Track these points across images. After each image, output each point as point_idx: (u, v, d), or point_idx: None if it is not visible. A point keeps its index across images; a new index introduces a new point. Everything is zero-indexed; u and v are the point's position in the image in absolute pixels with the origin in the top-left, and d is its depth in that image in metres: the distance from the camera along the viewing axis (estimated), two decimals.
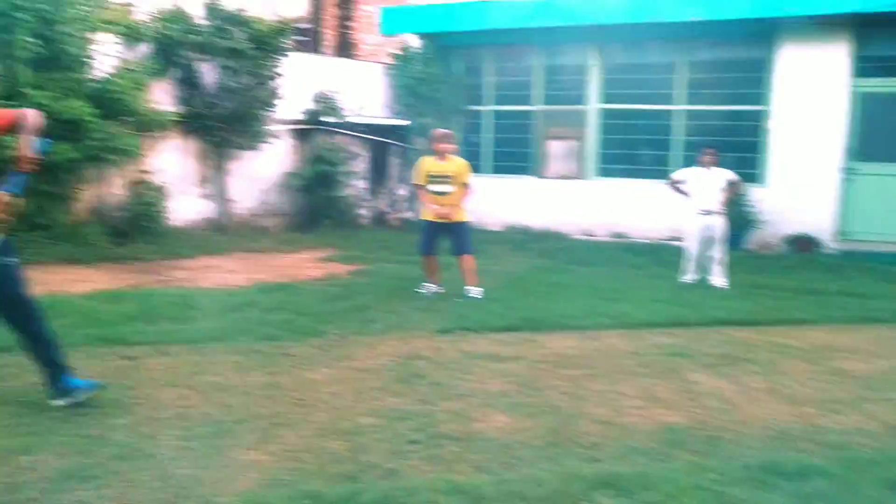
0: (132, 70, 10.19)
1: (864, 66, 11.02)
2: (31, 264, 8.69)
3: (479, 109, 13.66)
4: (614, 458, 3.88)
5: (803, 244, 11.06)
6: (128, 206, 10.43)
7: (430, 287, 7.80)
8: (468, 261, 7.74)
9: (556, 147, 13.10)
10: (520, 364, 5.48)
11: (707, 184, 8.64)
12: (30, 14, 8.71)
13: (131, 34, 10.68)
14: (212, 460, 3.73)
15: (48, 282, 7.80)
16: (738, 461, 3.83)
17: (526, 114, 13.32)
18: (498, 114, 13.55)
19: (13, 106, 8.52)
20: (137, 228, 10.28)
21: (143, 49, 10.82)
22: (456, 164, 7.74)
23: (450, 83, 13.54)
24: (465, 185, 7.69)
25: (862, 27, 10.89)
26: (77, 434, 3.97)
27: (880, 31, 10.89)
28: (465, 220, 7.77)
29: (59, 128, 8.98)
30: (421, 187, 7.87)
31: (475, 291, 7.62)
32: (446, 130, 7.98)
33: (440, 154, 7.72)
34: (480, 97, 13.65)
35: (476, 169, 13.24)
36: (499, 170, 13.41)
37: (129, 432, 4.04)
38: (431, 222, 7.76)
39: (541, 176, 13.18)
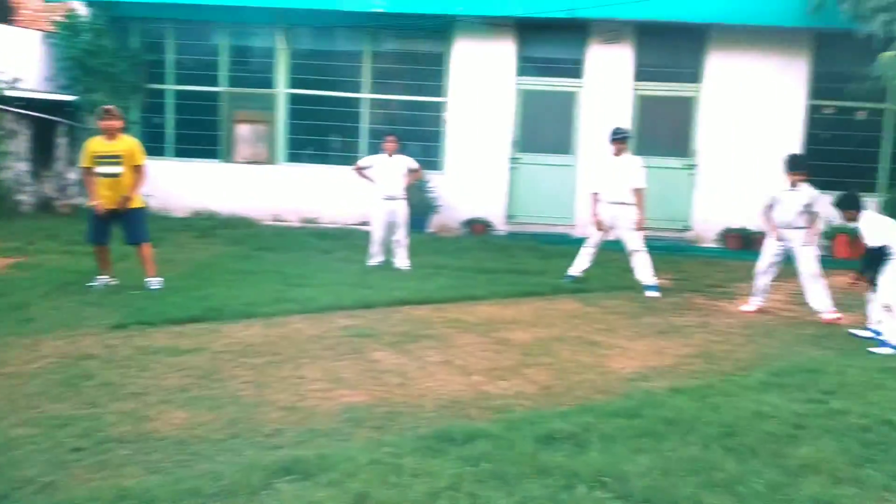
0: None
1: (526, 66, 12.25)
2: None
3: (160, 88, 12.81)
4: (295, 443, 3.89)
5: (478, 227, 12.04)
6: None
7: (102, 280, 7.18)
8: (145, 249, 7.25)
9: (243, 131, 12.78)
10: (200, 356, 5.27)
11: (390, 170, 9.01)
12: None
13: None
14: None
15: None
16: (413, 433, 4.05)
17: (212, 95, 12.78)
18: (181, 93, 12.83)
19: None
20: None
21: None
22: (126, 143, 7.19)
23: (125, 58, 12.51)
24: (137, 167, 7.17)
25: (524, 30, 12.08)
26: None
27: (539, 35, 12.18)
28: (139, 205, 7.25)
29: None
30: (88, 170, 7.19)
31: (154, 282, 7.18)
32: (112, 106, 7.36)
33: (108, 133, 7.12)
34: (162, 75, 12.81)
35: (159, 152, 12.53)
36: (183, 153, 12.74)
37: None
38: (101, 209, 7.12)
39: (228, 160, 12.77)
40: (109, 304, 6.53)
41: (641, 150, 10.58)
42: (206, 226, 11.36)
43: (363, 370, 5.16)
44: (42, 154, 12.30)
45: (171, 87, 12.80)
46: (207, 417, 4.18)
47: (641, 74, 12.05)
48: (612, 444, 3.92)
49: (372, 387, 4.83)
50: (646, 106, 12.08)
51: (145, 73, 12.76)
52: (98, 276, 7.20)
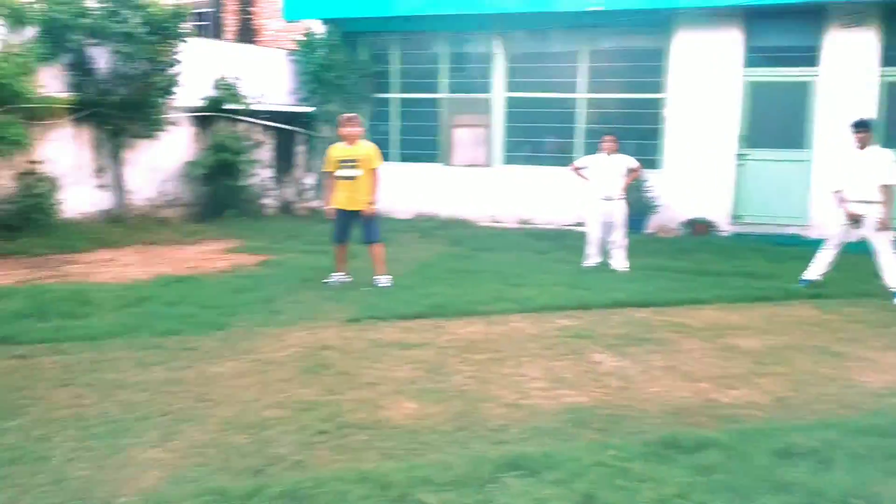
0: (17, 55, 9.64)
1: (754, 56, 11.52)
2: None
3: (385, 97, 13.59)
4: (520, 439, 3.95)
5: (700, 227, 11.52)
6: (16, 198, 9.89)
7: (337, 277, 7.74)
8: (377, 249, 7.71)
9: (462, 135, 13.19)
10: (427, 350, 5.51)
11: (608, 170, 8.88)
12: None
13: (15, 16, 10.10)
14: (110, 460, 3.61)
15: None
16: (639, 437, 3.97)
17: (432, 101, 13.34)
18: (404, 101, 13.53)
19: None
20: (28, 222, 9.76)
21: (30, 33, 10.25)
22: (364, 148, 7.68)
23: (355, 70, 13.41)
24: (373, 171, 7.65)
25: (752, 18, 11.39)
26: None
27: (768, 23, 11.42)
28: (374, 207, 7.73)
29: None
30: (330, 174, 7.78)
31: (384, 280, 7.61)
32: (352, 114, 7.90)
33: (347, 139, 7.65)
34: (387, 85, 13.59)
35: (384, 157, 13.24)
36: (406, 157, 13.41)
37: (21, 435, 3.86)
38: (342, 210, 7.69)
39: (448, 163, 13.25)
40: (345, 300, 7.01)
41: (890, 143, 9.57)
42: (428, 227, 11.86)
43: (584, 371, 5.13)
44: (283, 161, 13.50)
45: (395, 95, 13.52)
46: (435, 409, 4.37)
47: (889, 59, 10.89)
48: (860, 463, 3.60)
49: (593, 388, 4.79)
50: (894, 94, 10.91)
51: (372, 84, 13.58)
52: (334, 274, 7.76)
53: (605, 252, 9.00)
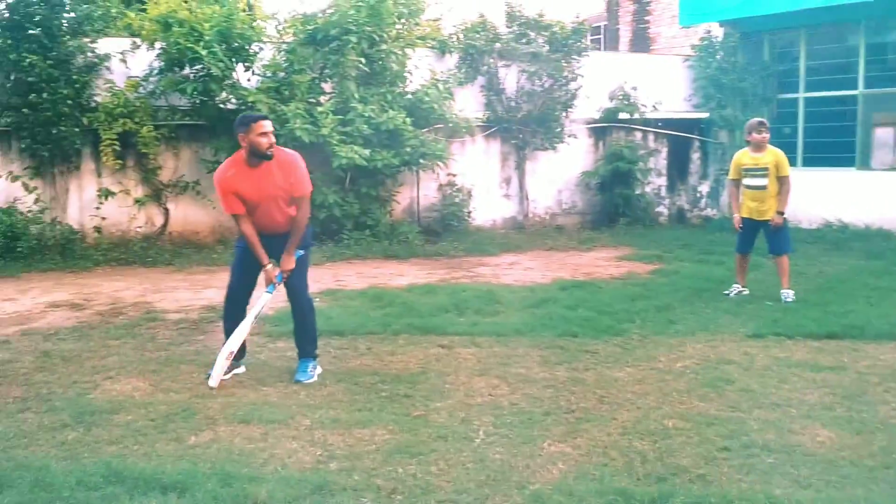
0: (441, 80, 10.97)
1: None
2: (358, 259, 9.79)
3: (789, 97, 12.63)
4: None
5: None
6: (438, 207, 11.26)
7: (736, 288, 7.41)
8: (784, 261, 7.21)
9: (883, 134, 11.68)
10: (842, 375, 5.00)
11: None
12: (357, 36, 9.76)
13: (441, 47, 11.51)
14: (522, 448, 3.91)
15: (373, 275, 8.72)
16: None
17: (845, 99, 12.04)
18: (811, 101, 12.43)
19: (346, 120, 9.64)
20: (446, 227, 11.07)
21: (451, 60, 11.60)
22: (772, 155, 7.23)
23: (756, 71, 12.70)
24: (783, 179, 7.17)
25: None
26: (404, 413, 4.40)
27: None
28: (783, 217, 7.22)
29: (381, 137, 9.99)
30: (735, 182, 7.48)
31: (789, 294, 7.08)
32: (762, 119, 7.46)
33: (755, 145, 7.28)
34: (791, 84, 12.61)
35: (789, 162, 12.33)
36: (813, 162, 12.28)
37: (448, 416, 4.37)
38: (748, 220, 7.33)
39: (864, 167, 11.83)
40: (744, 313, 6.68)
41: None
42: (838, 238, 10.75)
43: None
44: (677, 169, 13.32)
45: (801, 95, 12.49)
46: (855, 440, 3.94)
47: None
48: None
49: None
50: None
51: (775, 84, 12.73)
52: (735, 285, 7.44)
53: None
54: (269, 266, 4.96)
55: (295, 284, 5.04)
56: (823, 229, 11.42)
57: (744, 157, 7.37)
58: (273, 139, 4.86)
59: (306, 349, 5.13)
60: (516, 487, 3.48)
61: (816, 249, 10.01)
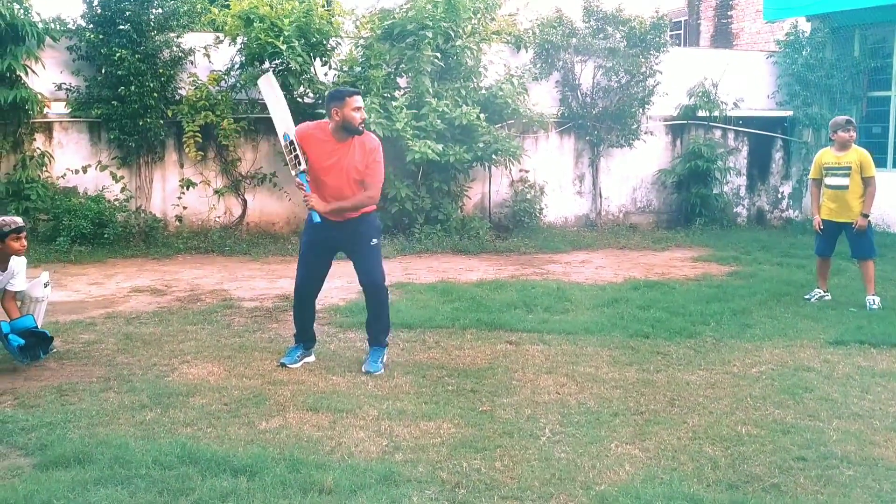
0: (516, 76, 10.91)
1: None
2: (428, 253, 9.83)
3: (881, 95, 12.09)
4: None
5: None
6: (510, 202, 11.22)
7: (817, 293, 7.14)
8: (869, 266, 6.91)
9: None
10: None
11: None
12: (433, 31, 9.80)
13: (516, 42, 11.44)
14: (588, 448, 3.86)
15: (443, 269, 8.74)
16: None
17: None
18: None
19: (420, 115, 9.70)
20: (517, 223, 11.02)
21: (526, 55, 11.52)
22: (856, 154, 6.94)
23: (846, 67, 12.20)
24: (867, 179, 6.88)
25: None
26: (470, 408, 4.40)
27: None
28: (866, 220, 6.92)
29: (454, 132, 10.01)
30: (816, 182, 7.22)
31: (874, 300, 6.79)
32: (848, 117, 7.15)
33: (840, 144, 7.00)
34: (883, 81, 12.06)
35: (878, 163, 11.78)
36: None
37: (514, 412, 4.35)
38: (828, 221, 7.07)
39: None
40: (825, 319, 6.44)
41: None
42: None
43: None
44: (758, 168, 12.91)
45: (894, 92, 11.93)
46: None
47: None
48: None
49: None
50: None
51: (865, 81, 12.20)
52: (816, 289, 7.17)
53: None
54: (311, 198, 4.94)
55: (371, 272, 5.08)
56: None
57: (826, 155, 7.11)
58: (365, 115, 4.92)
59: (378, 337, 5.17)
60: (581, 487, 3.44)
61: None
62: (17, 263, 5.14)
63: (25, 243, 5.09)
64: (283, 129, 5.04)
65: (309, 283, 5.19)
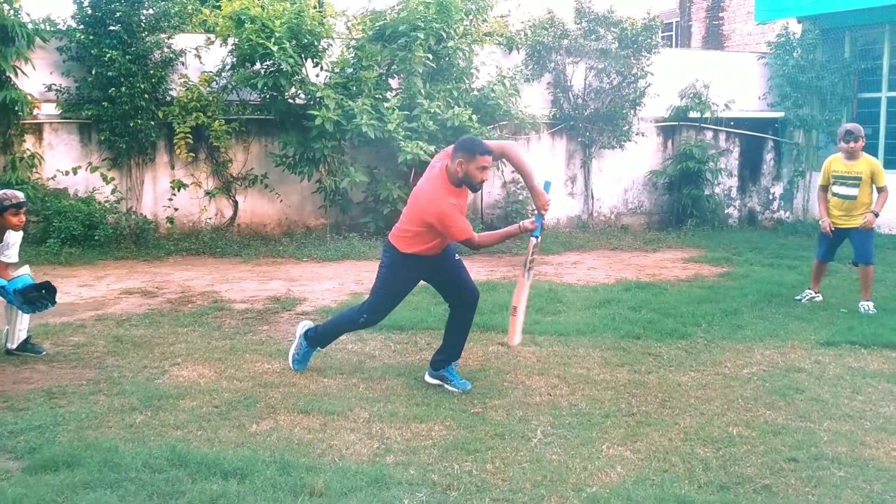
0: (508, 77, 10.91)
1: None
2: None
3: (871, 97, 12.14)
4: None
5: None
6: (501, 204, 11.22)
7: (808, 294, 7.15)
8: (868, 271, 6.90)
9: None
10: None
11: None
12: (425, 32, 9.79)
13: (508, 44, 11.45)
14: (580, 450, 3.86)
15: None
16: None
17: None
18: (895, 100, 11.90)
19: (412, 116, 9.70)
20: (509, 224, 10.97)
21: (518, 56, 11.53)
22: (867, 163, 6.85)
23: (835, 69, 12.25)
24: (879, 190, 6.80)
25: None
26: (461, 410, 4.39)
27: None
28: (870, 225, 6.86)
29: (446, 133, 9.99)
30: (824, 188, 7.11)
31: (868, 306, 6.79)
32: (849, 127, 6.97)
33: (849, 153, 6.91)
34: (873, 83, 12.11)
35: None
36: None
37: (506, 413, 4.35)
38: (835, 228, 6.98)
39: None
40: (816, 320, 6.46)
41: None
42: None
43: None
44: (749, 170, 12.95)
45: (884, 94, 11.98)
46: None
47: None
48: None
49: None
50: None
51: (856, 83, 12.26)
52: (808, 290, 7.19)
53: None
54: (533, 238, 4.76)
55: (473, 283, 4.91)
56: None
57: (836, 163, 6.99)
58: (488, 177, 4.72)
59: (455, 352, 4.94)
60: (573, 489, 3.44)
61: None
62: (14, 237, 5.20)
63: (24, 219, 5.18)
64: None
65: (388, 312, 4.97)
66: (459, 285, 4.86)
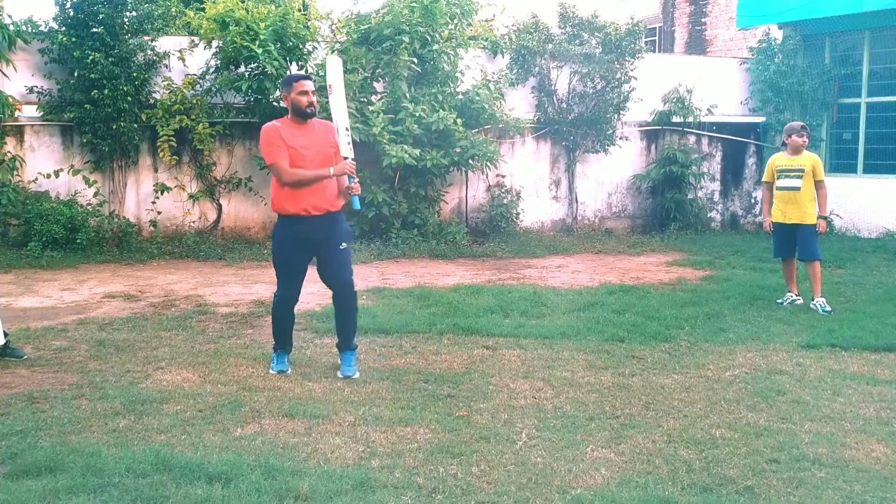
0: (493, 81, 10.95)
1: None
2: (405, 258, 9.83)
3: (851, 102, 12.29)
4: None
5: None
6: (486, 207, 11.24)
7: (789, 297, 7.24)
8: (815, 267, 7.05)
9: None
10: None
11: None
12: (410, 36, 9.81)
13: (493, 48, 11.49)
14: (564, 453, 3.87)
15: (420, 274, 8.74)
16: None
17: None
18: (874, 106, 12.07)
19: (396, 119, 9.71)
20: (494, 228, 11.05)
21: (503, 60, 11.57)
22: (810, 158, 7.16)
23: (815, 75, 12.39)
24: (819, 183, 7.10)
25: None
26: (446, 413, 4.40)
27: None
28: (811, 222, 7.09)
29: (431, 137, 10.01)
30: (768, 185, 7.44)
31: (821, 302, 6.91)
32: (802, 123, 7.41)
33: (794, 149, 7.20)
34: (853, 88, 12.26)
35: (848, 168, 12.06)
36: (875, 169, 11.94)
37: (491, 417, 4.36)
38: (780, 224, 7.21)
39: None
40: (797, 323, 6.53)
41: None
42: None
43: None
44: (732, 174, 13.06)
45: (864, 99, 12.14)
46: None
47: None
48: None
49: None
50: None
51: (836, 88, 12.40)
52: (787, 294, 7.28)
53: None
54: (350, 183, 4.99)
55: (342, 276, 5.08)
56: (884, 239, 11.09)
57: (779, 159, 7.33)
58: (313, 98, 4.96)
59: (351, 342, 5.15)
60: (558, 492, 3.45)
61: (876, 259, 9.71)
62: None
63: None
64: (341, 115, 5.08)
65: (296, 290, 5.12)
66: (331, 274, 5.09)
